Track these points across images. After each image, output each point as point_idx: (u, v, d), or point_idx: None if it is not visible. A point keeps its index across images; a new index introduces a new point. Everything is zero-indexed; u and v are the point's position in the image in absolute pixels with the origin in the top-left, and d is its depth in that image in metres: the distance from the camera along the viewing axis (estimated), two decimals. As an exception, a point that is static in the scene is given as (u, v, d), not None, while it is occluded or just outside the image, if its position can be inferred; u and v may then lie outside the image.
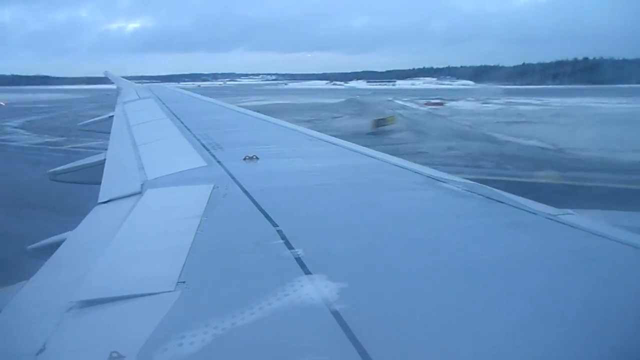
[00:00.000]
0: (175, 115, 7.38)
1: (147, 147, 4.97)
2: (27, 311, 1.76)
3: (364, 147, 4.42)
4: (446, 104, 52.56)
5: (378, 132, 31.05)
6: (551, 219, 2.23)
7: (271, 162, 3.79)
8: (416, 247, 1.96)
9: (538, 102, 58.14)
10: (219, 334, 1.30)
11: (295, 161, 3.93)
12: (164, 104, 9.58)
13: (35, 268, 2.10)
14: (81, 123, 11.23)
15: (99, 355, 1.26)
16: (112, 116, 8.74)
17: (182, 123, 6.42)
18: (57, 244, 2.43)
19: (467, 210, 2.51)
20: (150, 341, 1.30)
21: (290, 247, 1.87)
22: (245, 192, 2.78)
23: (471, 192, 2.78)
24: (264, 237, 2.01)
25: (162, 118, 7.38)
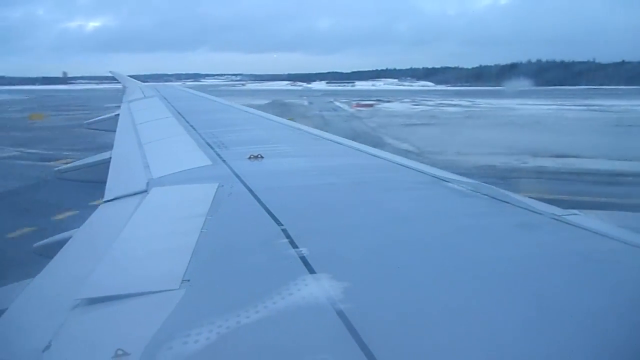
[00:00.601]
0: (181, 114, 7.40)
1: (153, 145, 4.99)
2: (33, 308, 1.78)
3: (369, 147, 4.42)
4: (377, 106, 52.04)
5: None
6: (557, 220, 2.22)
7: (276, 161, 3.80)
8: (421, 246, 1.96)
9: (468, 103, 59.04)
10: (224, 332, 1.31)
11: (300, 160, 3.94)
12: (169, 102, 9.61)
13: (41, 266, 2.11)
14: (87, 121, 11.27)
15: (105, 353, 1.27)
16: (118, 115, 8.77)
17: (187, 122, 6.44)
18: (63, 242, 2.45)
19: (472, 210, 2.50)
20: (155, 339, 1.30)
21: (294, 246, 1.87)
22: (250, 191, 2.79)
23: (476, 191, 2.77)
24: (268, 236, 2.01)
25: (167, 117, 7.40)
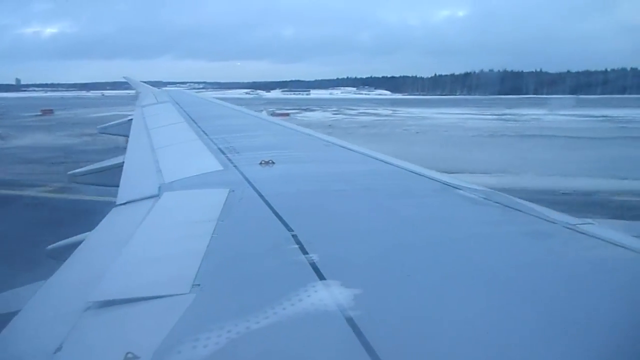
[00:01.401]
0: (193, 119, 7.45)
1: (165, 150, 5.03)
2: (45, 311, 1.79)
3: (380, 153, 4.41)
4: (293, 115, 51.93)
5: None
6: (571, 229, 2.19)
7: (287, 166, 3.80)
8: (432, 254, 1.94)
9: (389, 112, 61.63)
10: (233, 337, 1.30)
11: (311, 166, 3.94)
12: (181, 107, 9.69)
13: (53, 268, 2.13)
14: (100, 126, 11.41)
15: (115, 356, 1.27)
16: (131, 119, 8.87)
17: (199, 127, 6.49)
18: (75, 245, 2.47)
19: (484, 218, 2.48)
20: (164, 343, 1.30)
21: (305, 252, 1.87)
22: (261, 196, 2.79)
23: (488, 199, 2.74)
24: (278, 242, 2.01)
25: (179, 122, 7.46)
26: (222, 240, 2.11)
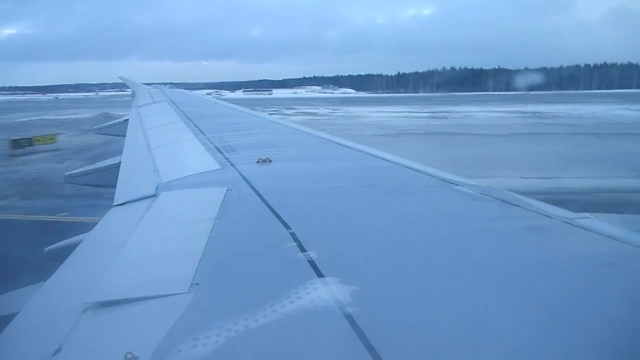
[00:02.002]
0: (189, 119, 7.44)
1: (162, 150, 5.02)
2: (44, 312, 1.79)
3: (378, 150, 4.41)
4: None
5: (15, 154, 28.41)
6: (568, 223, 2.20)
7: (284, 165, 3.80)
8: (430, 250, 1.94)
9: (329, 111, 63.84)
10: (232, 336, 1.31)
11: (308, 164, 3.94)
12: (178, 107, 9.67)
13: (52, 270, 2.13)
14: (96, 127, 11.37)
15: (114, 356, 1.27)
16: (127, 120, 8.85)
17: (196, 126, 6.48)
18: (73, 246, 2.47)
19: (482, 214, 2.49)
20: (164, 342, 1.30)
21: (303, 250, 1.87)
22: (259, 194, 2.79)
23: (486, 195, 2.75)
24: (277, 240, 2.01)
25: (176, 121, 7.45)
26: (220, 239, 2.11)
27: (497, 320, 1.37)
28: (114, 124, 10.51)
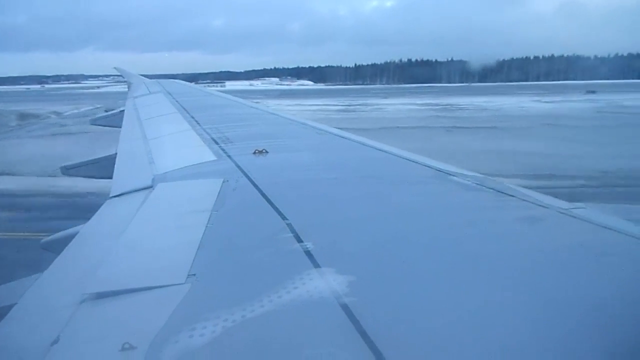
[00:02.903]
0: (185, 110, 7.41)
1: (158, 141, 5.01)
2: (42, 303, 1.79)
3: (374, 141, 4.41)
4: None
5: None
6: (563, 213, 2.21)
7: (281, 155, 3.80)
8: (426, 240, 1.95)
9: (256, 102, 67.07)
10: (229, 326, 1.31)
11: (304, 155, 3.94)
12: (174, 98, 9.62)
13: (48, 261, 2.13)
14: (92, 118, 11.31)
15: (111, 347, 1.28)
16: (123, 111, 8.80)
17: (192, 117, 6.45)
18: (70, 238, 2.47)
19: (478, 204, 2.50)
20: (161, 333, 1.31)
21: (299, 241, 1.88)
22: (255, 185, 2.79)
23: (481, 185, 2.76)
24: (273, 231, 2.02)
25: (172, 112, 7.42)
26: (217, 230, 2.12)
27: (492, 310, 1.38)
28: (109, 115, 10.44)
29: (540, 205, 2.34)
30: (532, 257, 1.77)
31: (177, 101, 8.99)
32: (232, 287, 1.60)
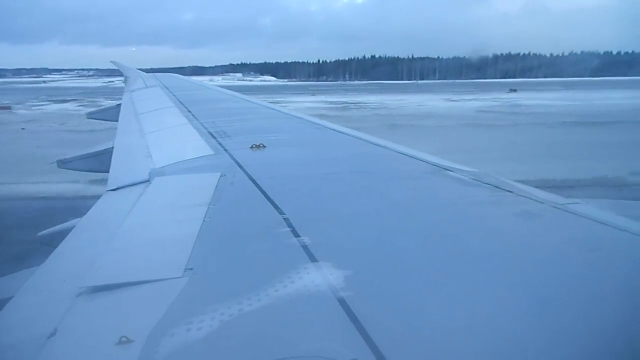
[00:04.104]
0: (183, 104, 7.39)
1: (155, 135, 5.00)
2: (39, 296, 1.79)
3: (371, 136, 4.41)
4: (15, 109, 45.91)
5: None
6: (559, 208, 2.22)
7: (278, 150, 3.80)
8: (423, 235, 1.96)
9: None
10: (226, 319, 1.32)
11: (301, 149, 3.94)
12: (171, 92, 9.59)
13: (45, 254, 2.13)
14: (88, 111, 11.26)
15: (109, 340, 1.28)
16: (120, 105, 8.77)
17: (190, 111, 6.44)
18: (67, 231, 2.46)
19: (474, 199, 2.50)
20: (158, 326, 1.32)
21: (296, 235, 1.88)
22: (252, 180, 2.79)
23: (478, 180, 2.77)
24: (270, 225, 2.02)
25: (169, 106, 7.39)
26: (214, 224, 2.12)
27: (488, 304, 1.39)
28: (106, 109, 10.40)
29: (536, 201, 2.35)
30: (527, 252, 1.78)
31: (174, 95, 8.96)
32: (229, 281, 1.60)
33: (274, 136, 4.37)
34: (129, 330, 1.30)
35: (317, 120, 5.70)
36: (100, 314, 1.52)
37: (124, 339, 1.26)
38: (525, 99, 57.47)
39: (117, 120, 6.79)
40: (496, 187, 2.62)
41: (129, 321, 1.42)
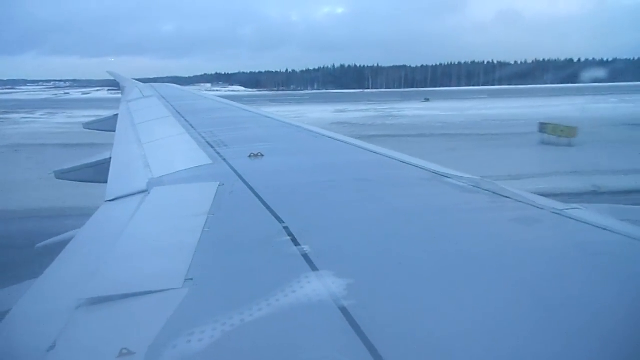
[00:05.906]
0: (180, 114, 7.40)
1: (153, 145, 4.99)
2: (37, 309, 1.78)
3: (369, 144, 4.42)
4: None
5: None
6: (558, 214, 2.22)
7: (276, 159, 3.80)
8: (423, 243, 1.96)
9: None
10: (227, 330, 1.31)
11: (300, 158, 3.94)
12: (168, 102, 9.60)
13: (44, 266, 2.11)
14: (85, 122, 11.26)
15: (109, 352, 1.27)
16: (117, 115, 8.76)
17: (187, 121, 6.44)
18: (65, 242, 2.45)
19: (473, 206, 2.51)
20: (159, 338, 1.31)
21: (296, 244, 1.88)
22: (251, 189, 2.79)
23: (477, 187, 2.77)
24: (270, 234, 2.02)
25: (166, 116, 7.40)
26: (214, 234, 2.11)
27: (490, 311, 1.39)
28: (103, 119, 10.40)
29: (535, 207, 2.35)
30: (527, 258, 1.78)
31: (171, 105, 8.97)
32: (229, 291, 1.59)
33: (272, 145, 4.37)
34: (130, 342, 1.29)
35: (314, 128, 5.71)
36: (100, 325, 1.51)
37: (124, 351, 1.25)
38: (416, 109, 57.92)
39: (114, 131, 6.79)
40: (495, 193, 2.63)
41: (129, 333, 1.41)
